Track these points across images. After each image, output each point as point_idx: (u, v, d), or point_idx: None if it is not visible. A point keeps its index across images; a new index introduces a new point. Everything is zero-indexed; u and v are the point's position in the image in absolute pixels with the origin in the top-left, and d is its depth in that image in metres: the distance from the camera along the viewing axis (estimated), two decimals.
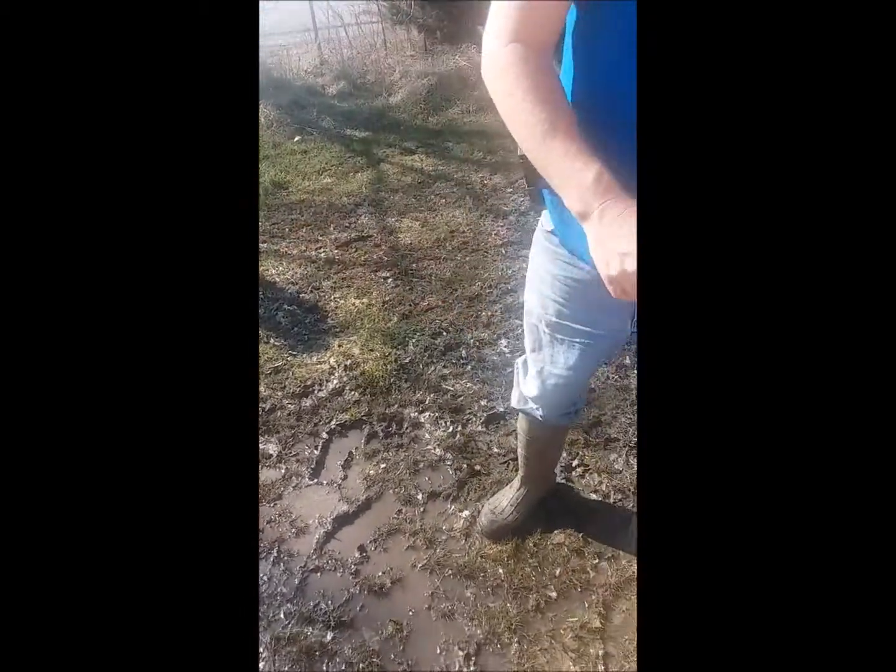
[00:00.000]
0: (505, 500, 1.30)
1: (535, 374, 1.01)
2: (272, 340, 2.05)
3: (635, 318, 0.81)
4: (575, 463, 1.46)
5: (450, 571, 1.23)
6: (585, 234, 0.57)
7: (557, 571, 1.21)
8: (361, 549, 1.30)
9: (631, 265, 0.50)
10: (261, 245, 2.75)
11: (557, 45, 0.65)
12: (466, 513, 1.36)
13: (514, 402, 1.12)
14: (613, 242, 0.52)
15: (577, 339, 0.90)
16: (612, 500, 1.36)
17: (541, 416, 1.07)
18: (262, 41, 6.83)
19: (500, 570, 1.22)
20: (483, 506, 1.33)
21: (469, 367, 1.86)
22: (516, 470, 1.44)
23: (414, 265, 2.46)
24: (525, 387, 1.06)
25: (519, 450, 1.25)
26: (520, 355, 1.09)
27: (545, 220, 0.84)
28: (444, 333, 2.03)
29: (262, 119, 4.46)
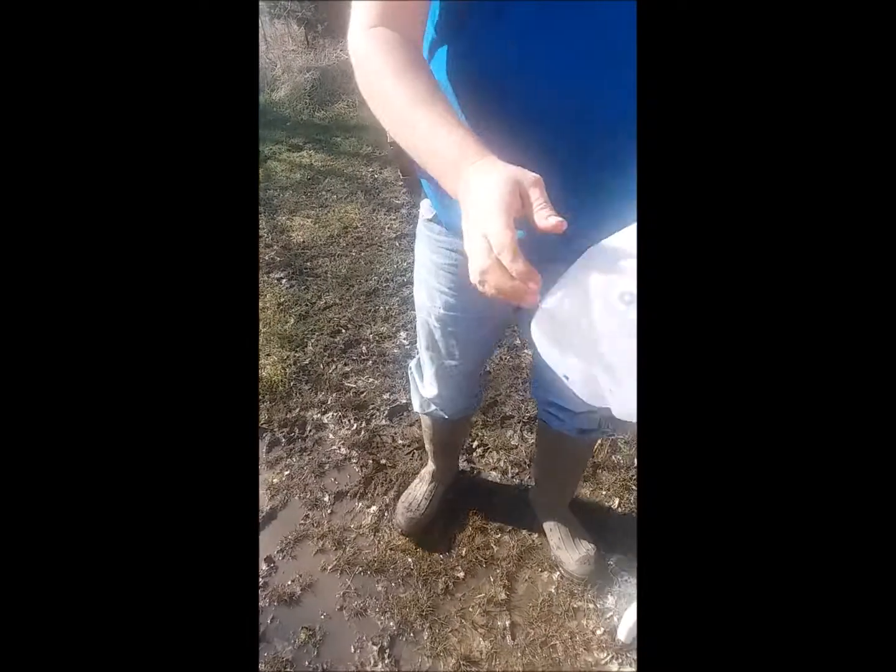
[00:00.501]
0: (419, 494, 1.31)
1: (432, 374, 1.01)
2: None
3: None
4: (475, 444, 1.51)
5: (360, 569, 1.23)
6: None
7: (464, 551, 1.24)
8: (269, 560, 1.27)
9: (473, 244, 0.42)
10: None
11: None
12: (374, 508, 1.37)
13: (416, 407, 1.11)
14: (474, 218, 0.44)
15: (470, 328, 0.90)
16: (509, 475, 1.41)
17: (446, 415, 1.08)
18: None
19: (409, 560, 1.23)
20: (397, 504, 1.33)
21: (370, 362, 1.86)
22: (421, 459, 1.47)
23: (308, 264, 2.41)
24: (425, 390, 1.05)
25: (427, 446, 1.26)
26: (413, 358, 1.08)
27: (425, 209, 0.83)
28: (343, 331, 2.00)
29: None
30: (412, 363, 1.08)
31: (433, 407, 1.07)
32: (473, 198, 0.45)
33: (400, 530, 1.28)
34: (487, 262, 0.41)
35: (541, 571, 1.19)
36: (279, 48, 4.66)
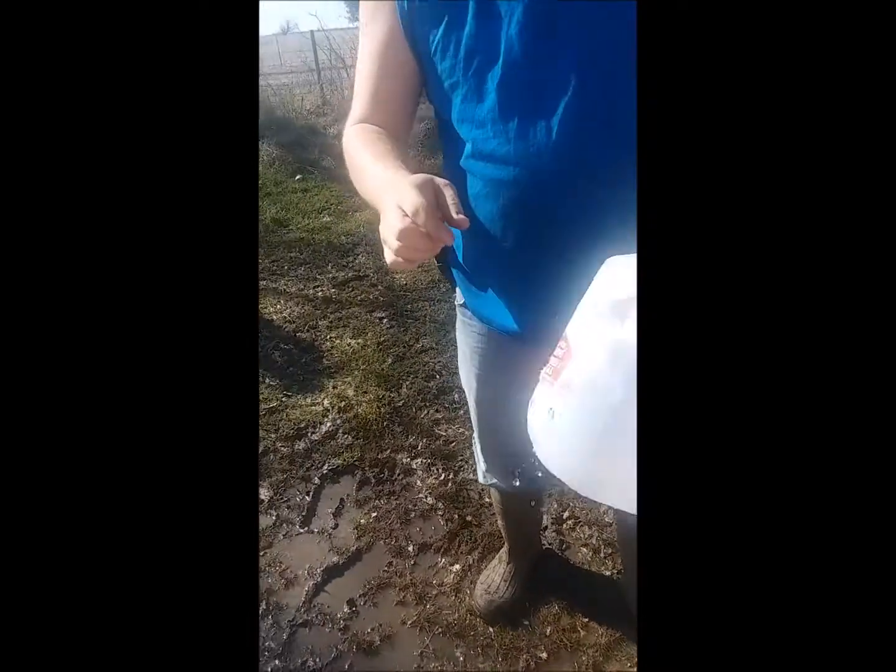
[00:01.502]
0: (497, 576, 1.28)
1: (480, 451, 1.04)
2: (267, 380, 2.06)
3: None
4: (566, 515, 1.46)
5: (439, 629, 1.22)
6: (491, 293, 0.64)
7: (548, 631, 1.20)
8: (351, 603, 1.29)
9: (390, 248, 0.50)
10: (259, 283, 2.78)
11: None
12: (457, 567, 1.35)
13: (480, 479, 1.12)
14: (390, 204, 0.51)
15: (508, 406, 0.89)
16: (601, 555, 1.35)
17: (506, 488, 1.07)
18: (266, 80, 7.00)
19: (490, 630, 1.21)
20: (475, 586, 1.29)
21: (461, 411, 1.87)
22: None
23: (409, 306, 2.49)
24: (482, 462, 1.07)
25: (499, 521, 1.24)
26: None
27: (458, 295, 0.86)
28: (437, 376, 2.04)
29: (264, 157, 4.55)
30: (474, 434, 1.08)
31: (493, 480, 1.07)
32: (391, 195, 0.51)
33: (479, 612, 1.24)
34: (402, 224, 0.48)
35: (630, 666, 1.12)
36: None
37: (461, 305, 0.86)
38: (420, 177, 0.50)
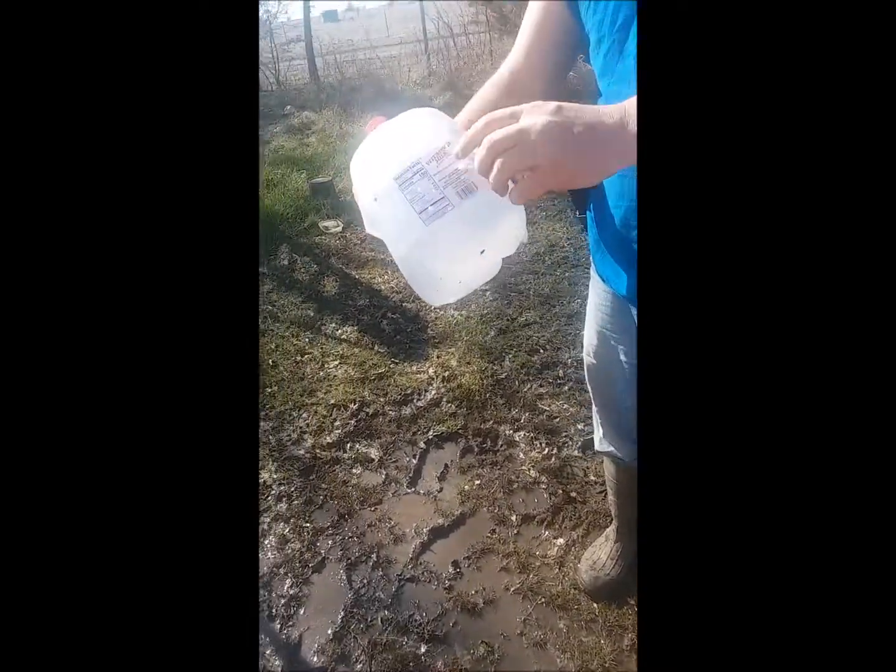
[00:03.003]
0: (604, 553, 1.26)
1: (596, 412, 1.03)
2: (376, 347, 2.15)
3: None
4: None
5: (542, 599, 1.23)
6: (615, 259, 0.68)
7: None
8: (455, 564, 1.34)
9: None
10: (367, 253, 2.88)
11: None
12: (561, 541, 1.36)
13: (596, 445, 1.11)
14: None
15: (625, 369, 0.90)
16: None
17: (622, 457, 1.05)
18: (374, 52, 7.09)
19: (595, 605, 1.20)
20: (581, 561, 1.28)
21: (566, 387, 1.84)
22: None
23: (512, 279, 2.47)
24: (598, 427, 1.06)
25: (609, 497, 1.22)
26: None
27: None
28: (542, 351, 2.02)
29: None
30: (592, 397, 1.07)
31: (609, 447, 1.06)
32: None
33: (583, 587, 1.23)
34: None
35: None
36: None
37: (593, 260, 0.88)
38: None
